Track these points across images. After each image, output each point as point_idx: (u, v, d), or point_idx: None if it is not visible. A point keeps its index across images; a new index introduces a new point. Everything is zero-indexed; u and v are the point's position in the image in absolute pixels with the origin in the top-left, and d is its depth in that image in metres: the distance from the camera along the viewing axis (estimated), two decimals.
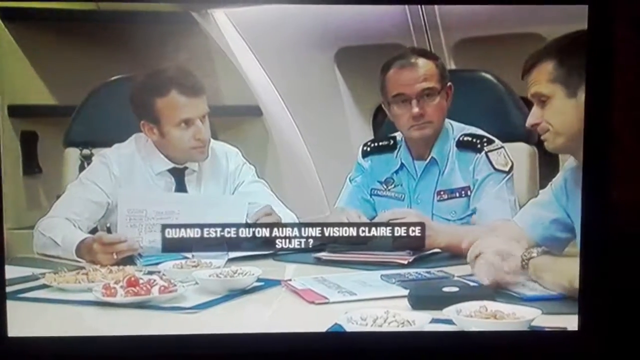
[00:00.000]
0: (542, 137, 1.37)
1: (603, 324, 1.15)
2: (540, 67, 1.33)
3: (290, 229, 1.67)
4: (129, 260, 1.57)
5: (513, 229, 1.47)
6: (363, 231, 1.42)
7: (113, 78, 2.07)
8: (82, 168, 1.97)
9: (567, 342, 1.13)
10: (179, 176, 1.79)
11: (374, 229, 1.44)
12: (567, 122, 1.33)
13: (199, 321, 1.25)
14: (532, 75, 1.34)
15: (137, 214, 1.61)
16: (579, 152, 1.36)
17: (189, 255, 1.54)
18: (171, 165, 1.78)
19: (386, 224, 1.44)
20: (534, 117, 1.36)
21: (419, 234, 1.42)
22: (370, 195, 1.85)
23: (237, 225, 1.44)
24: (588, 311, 1.16)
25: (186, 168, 1.79)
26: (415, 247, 1.47)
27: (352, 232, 1.41)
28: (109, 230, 1.72)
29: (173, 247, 1.43)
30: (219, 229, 1.44)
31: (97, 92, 2.06)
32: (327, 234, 1.39)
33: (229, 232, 1.44)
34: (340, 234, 1.41)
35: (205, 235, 1.40)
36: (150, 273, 1.43)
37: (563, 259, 1.27)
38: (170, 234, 1.42)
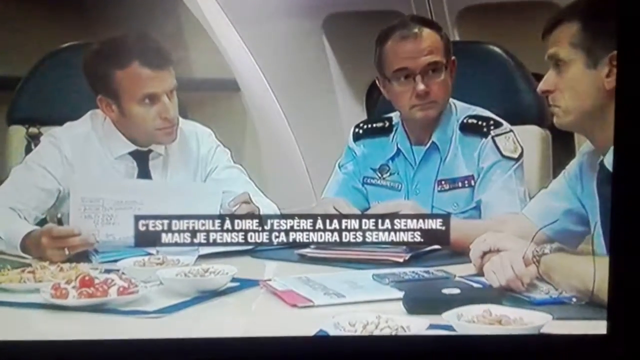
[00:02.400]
0: (551, 110, 1.36)
1: (633, 329, 1.16)
2: (563, 27, 1.32)
3: (270, 222, 1.67)
4: (83, 256, 1.57)
5: (522, 224, 1.48)
6: (352, 227, 1.40)
7: (64, 45, 2.05)
8: (28, 149, 1.95)
9: (589, 349, 1.14)
10: (142, 160, 1.77)
11: (365, 222, 1.43)
12: (580, 97, 1.32)
13: (163, 327, 1.24)
14: (554, 34, 1.33)
15: (93, 203, 1.60)
16: (594, 133, 1.36)
17: (153, 251, 1.53)
18: (133, 147, 1.77)
19: (381, 216, 1.43)
20: (547, 82, 1.35)
21: (441, 227, 1.39)
22: (363, 184, 1.85)
23: (220, 217, 1.41)
24: (617, 315, 1.17)
25: (150, 151, 1.78)
26: (441, 242, 1.44)
27: (336, 225, 1.39)
28: (59, 222, 1.72)
29: (147, 242, 1.40)
30: (208, 221, 1.40)
31: (45, 61, 2.04)
32: (312, 227, 1.37)
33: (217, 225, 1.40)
34: (328, 228, 1.39)
35: (186, 228, 1.37)
36: (108, 272, 1.42)
37: (578, 258, 1.28)
38: (145, 226, 1.38)
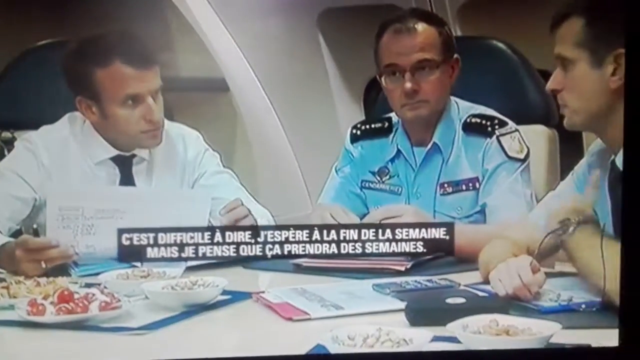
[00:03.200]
0: (560, 111, 1.37)
1: None
2: (569, 24, 1.33)
3: (264, 233, 1.66)
4: (61, 270, 1.55)
5: (530, 228, 1.47)
6: (351, 238, 1.39)
7: (40, 43, 2.04)
8: (1, 156, 1.93)
9: (601, 359, 1.13)
10: (124, 166, 1.76)
11: (365, 231, 1.41)
12: (586, 97, 1.33)
13: (149, 344, 1.22)
14: (559, 31, 1.34)
15: (72, 212, 1.58)
16: (605, 132, 1.36)
17: (137, 263, 1.52)
18: (115, 152, 1.75)
19: (378, 226, 1.42)
20: (555, 81, 1.36)
21: (445, 236, 1.37)
22: (361, 188, 1.84)
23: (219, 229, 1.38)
24: (630, 323, 1.16)
25: (134, 156, 1.77)
26: (445, 252, 1.43)
27: (334, 236, 1.38)
28: (35, 233, 1.69)
29: (131, 257, 1.38)
30: (197, 234, 1.38)
31: (20, 60, 2.03)
32: (309, 238, 1.36)
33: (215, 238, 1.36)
34: (323, 238, 1.38)
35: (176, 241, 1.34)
36: (88, 286, 1.41)
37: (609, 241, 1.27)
38: (129, 240, 1.36)
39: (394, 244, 1.41)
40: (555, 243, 1.34)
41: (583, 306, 1.25)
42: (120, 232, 1.32)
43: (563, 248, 1.29)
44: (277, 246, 1.42)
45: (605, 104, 1.32)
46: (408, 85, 1.69)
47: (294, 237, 1.41)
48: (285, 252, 1.40)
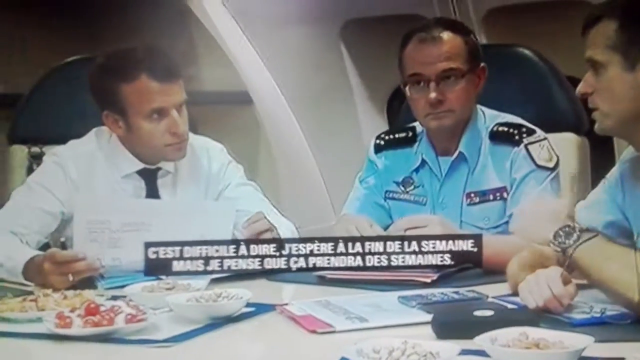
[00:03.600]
0: (592, 115, 1.36)
1: None
2: (600, 27, 1.32)
3: (289, 246, 1.66)
4: (88, 282, 1.56)
5: None
6: (376, 250, 1.37)
7: (69, 60, 2.08)
8: (30, 170, 1.97)
9: None
10: (150, 179, 1.78)
11: (391, 244, 1.40)
12: (617, 101, 1.31)
13: (174, 356, 1.22)
14: (590, 35, 1.32)
15: (99, 225, 1.59)
16: (636, 138, 1.34)
17: (162, 276, 1.53)
18: (141, 165, 1.77)
19: (404, 238, 1.40)
20: (585, 84, 1.34)
21: (473, 248, 1.35)
22: (385, 199, 1.83)
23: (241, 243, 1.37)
24: None
25: (159, 169, 1.79)
26: (473, 264, 1.40)
27: (359, 248, 1.37)
28: (63, 246, 1.72)
29: (157, 270, 1.38)
30: (222, 247, 1.36)
31: (48, 76, 2.07)
32: (333, 251, 1.35)
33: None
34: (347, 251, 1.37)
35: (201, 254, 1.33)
36: (114, 298, 1.42)
37: (620, 248, 1.24)
38: (155, 254, 1.35)
39: (420, 256, 1.39)
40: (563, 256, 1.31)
41: (616, 319, 1.22)
42: (147, 245, 1.33)
43: (570, 262, 1.26)
44: (301, 259, 1.42)
45: (637, 107, 1.30)
46: (433, 95, 1.68)
47: (318, 250, 1.40)
48: (310, 265, 1.39)
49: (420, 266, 1.40)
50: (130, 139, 1.75)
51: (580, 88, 1.35)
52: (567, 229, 1.27)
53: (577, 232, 1.26)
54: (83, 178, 1.74)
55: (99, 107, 1.74)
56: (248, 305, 1.38)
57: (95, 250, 1.58)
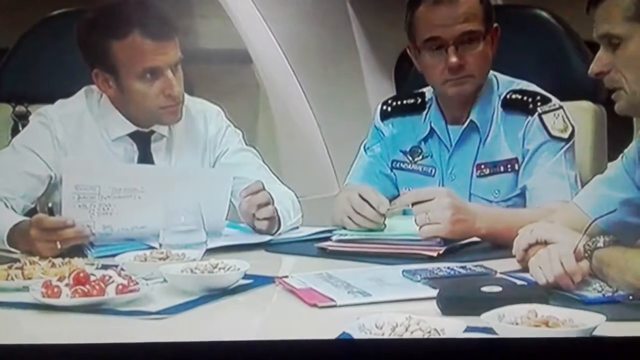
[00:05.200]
0: (612, 96, 1.34)
1: None
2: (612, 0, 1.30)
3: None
4: (77, 250, 1.57)
5: (573, 214, 1.46)
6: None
7: (55, 13, 2.06)
8: (15, 131, 1.97)
9: None
10: (143, 143, 1.78)
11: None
12: None
13: (167, 329, 1.23)
14: (602, 7, 1.30)
15: (88, 191, 1.60)
16: None
17: (155, 244, 1.54)
18: (133, 128, 1.77)
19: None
20: (600, 63, 1.32)
21: None
22: (391, 169, 1.84)
23: None
24: None
25: (153, 132, 1.79)
26: None
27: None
28: (50, 212, 1.73)
29: None
30: None
31: (34, 30, 2.05)
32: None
33: None
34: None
35: None
36: (105, 267, 1.42)
37: (635, 252, 1.26)
38: None
39: None
40: (600, 232, 1.32)
41: (630, 297, 1.24)
42: None
43: (596, 267, 1.28)
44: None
45: None
46: (453, 59, 1.67)
47: None
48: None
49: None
50: (122, 100, 1.74)
51: (594, 67, 1.32)
52: (595, 238, 1.28)
53: (602, 240, 1.27)
54: (71, 140, 1.74)
55: (88, 64, 1.74)
56: (245, 277, 1.39)
57: (84, 216, 1.58)
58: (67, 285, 1.29)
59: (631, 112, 1.36)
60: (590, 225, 1.30)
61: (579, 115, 1.84)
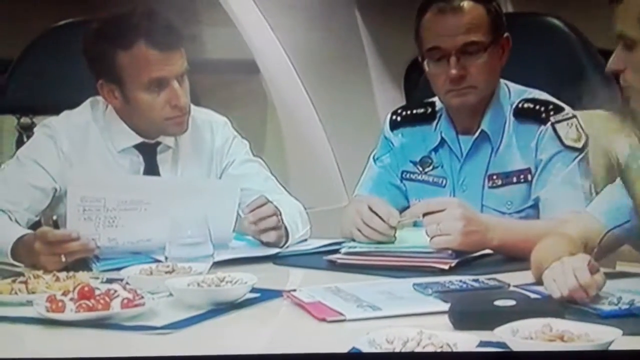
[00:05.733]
0: (624, 94, 1.34)
1: None
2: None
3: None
4: (82, 264, 1.57)
5: (588, 224, 1.45)
6: None
7: (61, 23, 2.07)
8: (20, 142, 1.98)
9: None
10: (149, 154, 1.79)
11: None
12: None
13: (173, 344, 1.23)
14: (621, 6, 1.30)
15: (94, 203, 1.60)
16: None
17: (161, 258, 1.54)
18: (139, 139, 1.78)
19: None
20: (617, 60, 1.32)
21: None
22: (401, 179, 1.84)
23: None
24: None
25: (159, 144, 1.79)
26: None
27: None
28: (55, 225, 1.74)
29: None
30: None
31: (39, 41, 2.06)
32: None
33: None
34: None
35: None
36: (110, 281, 1.43)
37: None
38: None
39: None
40: (615, 241, 1.32)
41: None
42: None
43: (599, 250, 1.27)
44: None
45: None
46: (453, 71, 1.67)
47: None
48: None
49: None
50: (128, 111, 1.75)
51: (611, 64, 1.33)
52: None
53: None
54: (76, 152, 1.75)
55: (93, 75, 1.74)
56: (253, 290, 1.39)
57: (89, 229, 1.59)
58: (71, 299, 1.29)
59: None
60: (605, 235, 1.29)
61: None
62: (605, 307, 1.26)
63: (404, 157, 1.83)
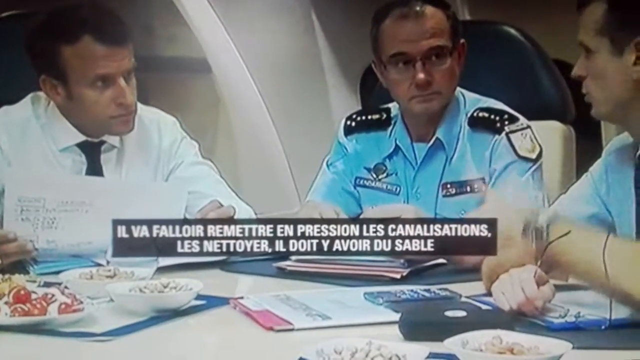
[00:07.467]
0: (586, 99, 1.40)
1: None
2: (590, 9, 1.36)
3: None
4: (19, 266, 1.55)
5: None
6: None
7: (3, 15, 2.03)
8: None
9: None
10: (92, 153, 1.76)
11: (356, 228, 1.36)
12: (607, 86, 1.35)
13: (113, 352, 1.22)
14: (583, 16, 1.36)
15: (32, 203, 1.58)
16: (630, 124, 1.38)
17: (102, 261, 1.52)
18: (82, 138, 1.75)
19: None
20: (581, 67, 1.38)
21: (487, 233, 1.25)
22: (355, 186, 1.85)
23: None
24: None
25: (103, 143, 1.77)
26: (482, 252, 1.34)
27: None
28: None
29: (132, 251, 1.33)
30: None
31: None
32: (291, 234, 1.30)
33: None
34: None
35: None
36: (48, 285, 1.41)
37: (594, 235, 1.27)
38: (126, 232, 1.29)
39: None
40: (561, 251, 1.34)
41: (591, 324, 1.25)
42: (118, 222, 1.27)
43: (545, 259, 1.29)
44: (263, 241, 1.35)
45: (628, 95, 1.35)
46: (421, 76, 1.69)
47: (282, 232, 1.35)
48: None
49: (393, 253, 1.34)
50: (71, 108, 1.72)
51: (576, 70, 1.39)
52: (534, 230, 1.29)
53: (545, 232, 1.29)
54: (15, 149, 1.72)
55: (35, 70, 1.72)
56: (198, 297, 1.38)
57: (27, 230, 1.57)
58: (6, 303, 1.28)
59: (603, 117, 1.42)
60: (548, 245, 1.31)
61: (547, 136, 1.88)
62: (556, 320, 1.28)
63: (357, 164, 1.84)
